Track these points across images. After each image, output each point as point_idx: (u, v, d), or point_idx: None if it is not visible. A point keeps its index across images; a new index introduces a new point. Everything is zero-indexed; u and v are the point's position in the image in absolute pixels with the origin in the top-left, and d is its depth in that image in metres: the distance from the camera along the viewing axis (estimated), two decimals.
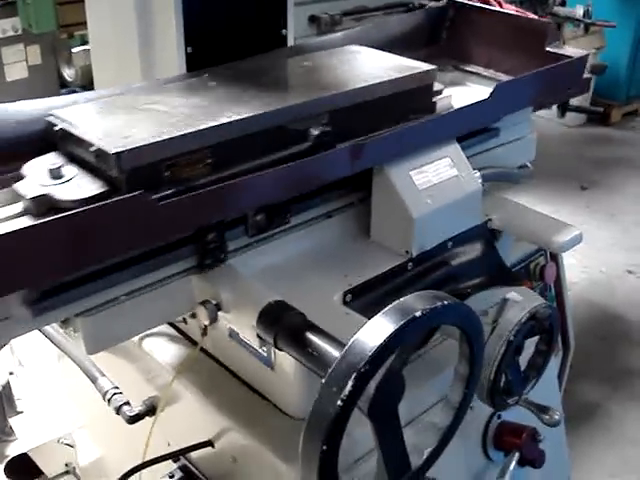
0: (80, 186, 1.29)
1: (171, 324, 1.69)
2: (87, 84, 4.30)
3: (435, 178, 1.61)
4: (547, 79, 1.88)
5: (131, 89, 1.63)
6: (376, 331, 1.04)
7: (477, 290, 1.68)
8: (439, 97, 1.79)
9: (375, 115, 1.63)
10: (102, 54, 2.11)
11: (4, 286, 1.07)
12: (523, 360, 1.52)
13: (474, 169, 1.72)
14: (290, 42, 1.97)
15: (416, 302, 1.09)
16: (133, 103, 1.52)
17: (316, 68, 1.77)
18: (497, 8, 2.32)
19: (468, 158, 1.72)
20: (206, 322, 1.39)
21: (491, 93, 1.70)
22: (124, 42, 1.92)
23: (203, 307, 1.38)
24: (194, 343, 1.64)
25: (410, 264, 1.60)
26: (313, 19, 3.29)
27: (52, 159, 1.37)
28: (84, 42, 4.37)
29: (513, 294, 1.47)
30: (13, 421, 2.85)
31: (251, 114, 1.43)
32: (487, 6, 2.34)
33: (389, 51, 1.90)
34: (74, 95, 1.60)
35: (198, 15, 1.76)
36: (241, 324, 1.38)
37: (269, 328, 1.25)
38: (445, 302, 1.11)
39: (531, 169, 2.17)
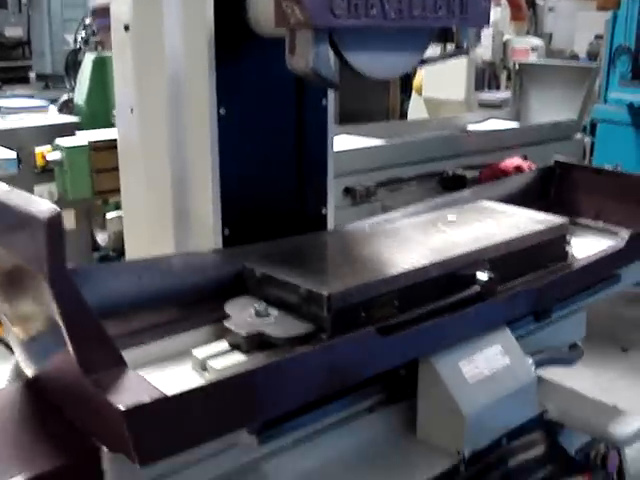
0: (287, 325, 1.39)
1: None
2: (119, 249, 4.32)
3: (486, 369, 1.50)
4: None
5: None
6: None
7: None
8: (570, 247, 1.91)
9: (519, 263, 1.75)
10: (135, 224, 2.07)
11: (245, 418, 1.18)
12: None
13: (525, 355, 1.61)
14: (330, 220, 1.90)
15: None
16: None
17: (464, 222, 1.86)
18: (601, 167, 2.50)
19: (518, 339, 1.61)
20: None
21: None
22: (158, 217, 1.88)
23: None
24: None
25: (462, 465, 1.45)
26: (348, 191, 3.29)
27: (251, 301, 1.48)
28: (118, 208, 4.45)
29: None
30: None
31: (429, 262, 1.56)
32: (590, 165, 2.54)
33: None
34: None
35: (236, 196, 1.71)
36: None
37: None
38: None
39: (582, 349, 2.05)
